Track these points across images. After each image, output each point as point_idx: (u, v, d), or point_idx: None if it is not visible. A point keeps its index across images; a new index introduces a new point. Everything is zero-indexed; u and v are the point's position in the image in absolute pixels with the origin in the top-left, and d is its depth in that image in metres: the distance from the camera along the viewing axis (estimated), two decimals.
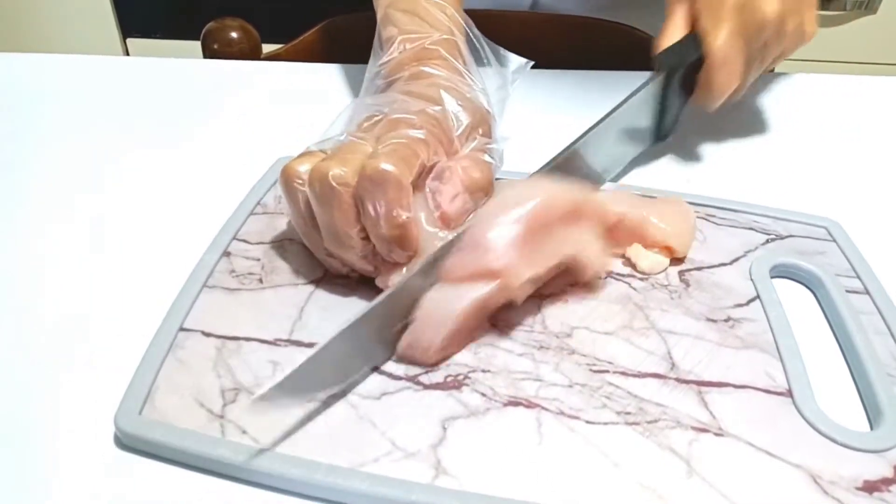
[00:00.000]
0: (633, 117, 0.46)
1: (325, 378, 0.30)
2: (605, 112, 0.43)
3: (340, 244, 0.35)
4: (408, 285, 0.33)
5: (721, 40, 0.43)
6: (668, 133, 0.49)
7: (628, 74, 0.58)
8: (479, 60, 0.42)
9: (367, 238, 0.34)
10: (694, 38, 0.45)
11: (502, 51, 0.43)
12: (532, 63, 0.43)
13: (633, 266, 0.39)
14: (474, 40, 0.43)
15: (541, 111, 0.55)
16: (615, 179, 0.47)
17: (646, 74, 0.46)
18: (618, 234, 0.39)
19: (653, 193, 0.43)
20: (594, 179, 0.45)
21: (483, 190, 0.37)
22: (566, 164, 0.40)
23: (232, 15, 0.72)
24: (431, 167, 0.35)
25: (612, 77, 0.60)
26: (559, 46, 0.70)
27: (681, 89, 0.46)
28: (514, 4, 0.75)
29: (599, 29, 0.71)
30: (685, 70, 0.45)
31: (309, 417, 0.30)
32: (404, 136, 0.34)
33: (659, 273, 0.39)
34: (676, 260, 0.39)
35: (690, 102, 0.48)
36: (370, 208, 0.33)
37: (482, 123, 0.38)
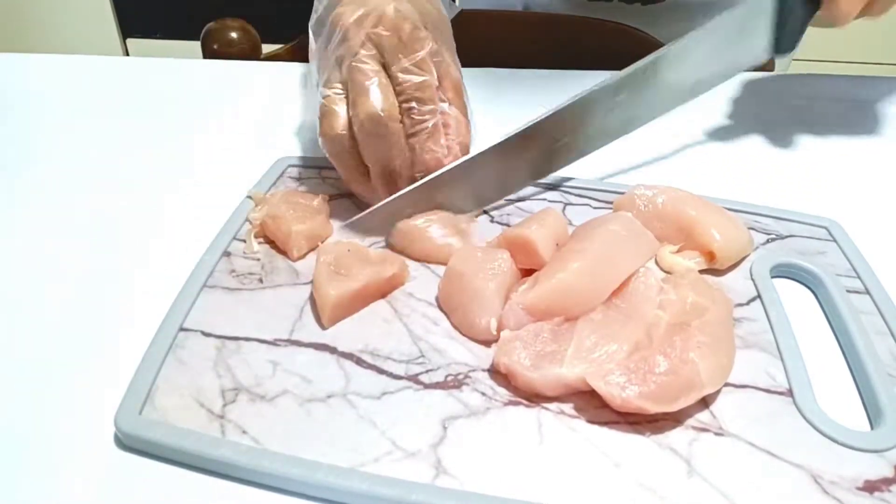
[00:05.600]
0: (743, 26, 0.44)
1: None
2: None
3: (395, 177, 0.40)
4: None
5: None
6: (790, 48, 0.46)
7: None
8: None
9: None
10: None
11: None
12: None
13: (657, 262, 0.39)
14: None
15: (531, 111, 0.55)
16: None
17: None
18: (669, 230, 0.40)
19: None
20: (686, 90, 0.45)
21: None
22: (654, 69, 0.42)
23: (232, 15, 0.72)
24: None
25: (603, 77, 0.59)
26: (551, 46, 0.70)
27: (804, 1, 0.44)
28: (507, 4, 0.76)
29: (590, 28, 0.71)
30: None
31: (309, 417, 0.30)
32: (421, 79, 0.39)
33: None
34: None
35: (816, 19, 0.45)
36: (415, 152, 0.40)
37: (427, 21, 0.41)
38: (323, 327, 0.35)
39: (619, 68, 0.42)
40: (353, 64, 0.39)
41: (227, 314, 0.35)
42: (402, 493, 0.27)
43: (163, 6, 1.82)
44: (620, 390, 0.30)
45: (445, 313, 0.36)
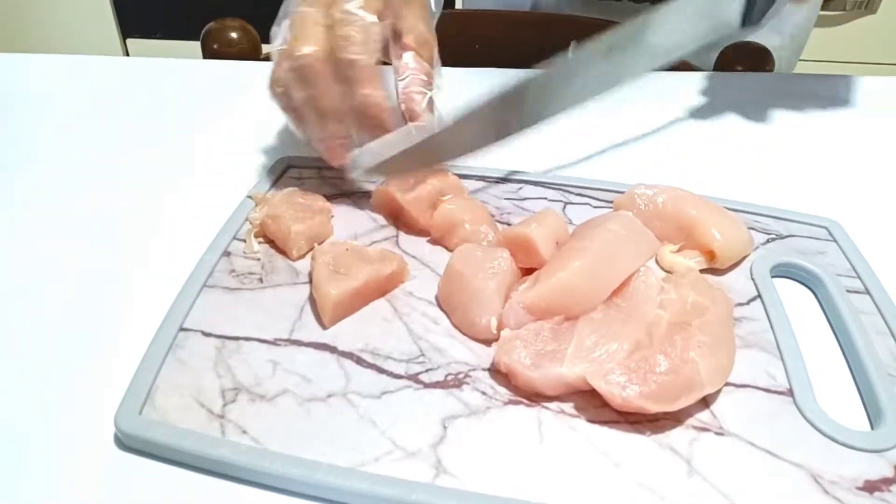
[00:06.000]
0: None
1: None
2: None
3: (327, 121, 0.40)
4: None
5: None
6: (760, 18, 0.47)
7: None
8: None
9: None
10: None
11: None
12: None
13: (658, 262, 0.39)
14: None
15: None
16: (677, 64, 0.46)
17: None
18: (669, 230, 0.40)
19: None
20: (658, 56, 0.45)
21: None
22: (633, 34, 0.43)
23: (232, 15, 0.72)
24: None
25: None
26: (559, 46, 0.70)
27: None
28: (516, 5, 0.76)
29: (588, 28, 0.70)
30: None
31: (309, 417, 0.30)
32: (356, 18, 0.39)
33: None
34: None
35: None
36: (350, 96, 0.39)
37: None
38: (324, 327, 0.35)
39: None
40: (293, 11, 0.40)
41: (227, 314, 0.35)
42: (402, 492, 0.27)
43: (163, 6, 1.82)
44: (621, 390, 0.29)
45: (445, 312, 0.36)
